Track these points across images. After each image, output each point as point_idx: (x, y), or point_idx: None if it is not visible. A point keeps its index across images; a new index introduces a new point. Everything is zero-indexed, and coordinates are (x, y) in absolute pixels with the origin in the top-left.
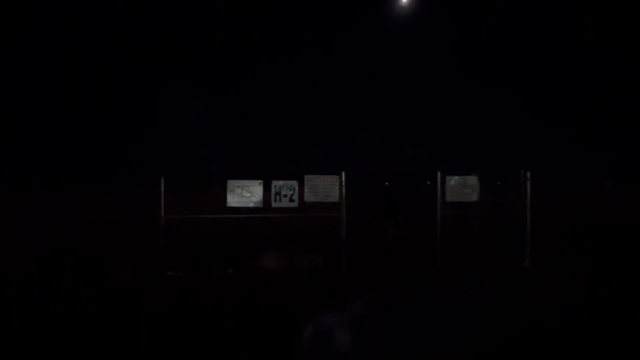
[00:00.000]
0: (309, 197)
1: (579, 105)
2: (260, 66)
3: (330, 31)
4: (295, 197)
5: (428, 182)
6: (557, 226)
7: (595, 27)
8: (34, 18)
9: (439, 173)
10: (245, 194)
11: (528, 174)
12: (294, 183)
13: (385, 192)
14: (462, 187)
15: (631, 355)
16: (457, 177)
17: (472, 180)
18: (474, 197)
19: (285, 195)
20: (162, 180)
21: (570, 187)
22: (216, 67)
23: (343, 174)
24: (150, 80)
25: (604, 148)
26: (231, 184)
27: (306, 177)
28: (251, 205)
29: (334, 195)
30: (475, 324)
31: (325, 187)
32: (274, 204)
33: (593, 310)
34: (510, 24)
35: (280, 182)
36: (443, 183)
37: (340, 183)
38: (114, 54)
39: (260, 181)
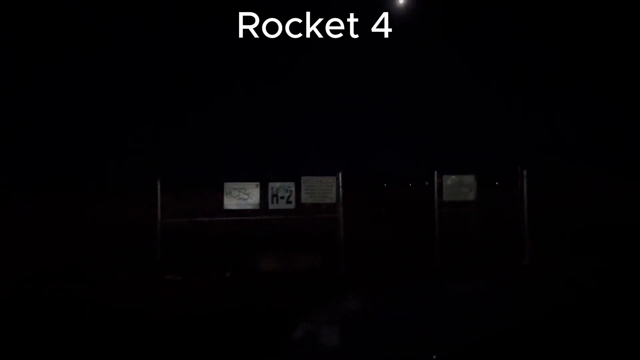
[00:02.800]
0: (306, 198)
1: (576, 103)
2: (258, 71)
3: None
4: (292, 198)
5: (427, 183)
6: (556, 224)
7: (590, 30)
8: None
9: (435, 172)
10: (242, 196)
11: (525, 172)
12: (291, 185)
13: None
14: (459, 186)
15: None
16: (454, 177)
17: (469, 179)
18: (471, 196)
19: (282, 197)
20: (159, 183)
21: (568, 184)
22: (211, 76)
23: (340, 174)
24: (146, 84)
25: (602, 146)
26: (228, 186)
27: (303, 178)
28: (248, 207)
29: (331, 197)
30: (468, 318)
31: (322, 188)
32: (271, 206)
33: (589, 308)
34: (504, 22)
35: (277, 184)
36: (440, 182)
37: (337, 184)
38: (112, 59)
39: (257, 183)
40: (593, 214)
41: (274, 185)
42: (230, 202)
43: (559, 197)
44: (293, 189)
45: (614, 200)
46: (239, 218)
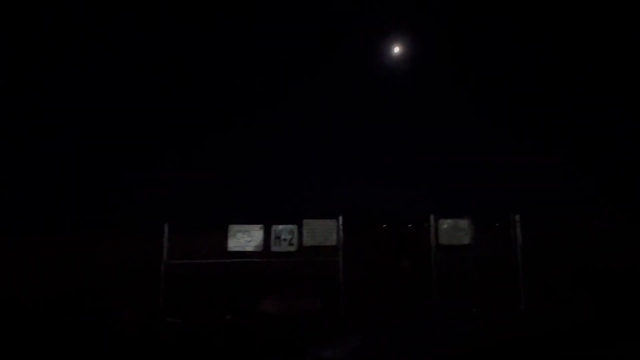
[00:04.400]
0: (307, 241)
1: (569, 148)
2: (261, 116)
3: (332, 79)
4: (295, 240)
5: (425, 224)
6: (551, 268)
7: (586, 77)
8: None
9: (431, 216)
10: (245, 238)
11: (517, 218)
12: (293, 227)
13: (398, 235)
14: (454, 230)
15: None
16: (449, 221)
17: (464, 223)
18: (467, 240)
19: (284, 239)
20: (166, 226)
21: (562, 228)
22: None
23: (340, 218)
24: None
25: (593, 190)
26: (232, 228)
27: (304, 221)
28: (252, 249)
29: (332, 239)
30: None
31: (324, 231)
32: (273, 248)
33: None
34: (502, 72)
35: (280, 226)
36: (436, 226)
37: (338, 227)
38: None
39: (261, 225)
40: (588, 258)
41: (276, 228)
42: (234, 244)
43: (553, 242)
44: (295, 231)
45: (608, 243)
46: (242, 260)
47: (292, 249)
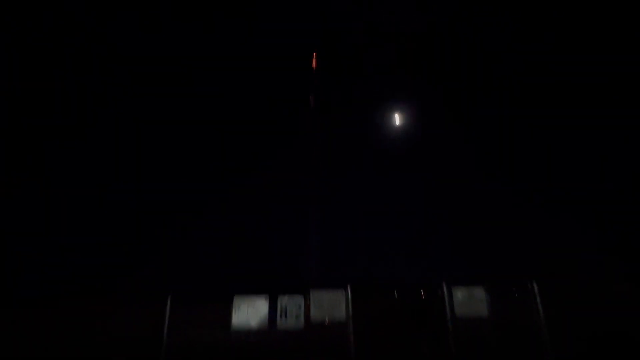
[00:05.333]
0: (315, 314)
1: (588, 206)
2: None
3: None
4: (301, 313)
5: (439, 292)
6: (578, 337)
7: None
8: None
9: (444, 283)
10: (250, 311)
11: (535, 286)
12: (300, 299)
13: (412, 308)
14: (470, 299)
15: None
16: (463, 288)
17: (479, 291)
18: (484, 310)
19: (291, 314)
20: (169, 299)
21: (584, 292)
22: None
23: (349, 287)
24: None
25: (614, 250)
26: (237, 300)
27: (312, 292)
28: (256, 326)
29: (340, 310)
30: None
31: (332, 302)
32: (279, 324)
33: None
34: (513, 133)
35: (286, 298)
36: (450, 294)
37: (347, 298)
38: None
39: (266, 295)
40: (616, 324)
41: (282, 300)
42: (239, 320)
43: (576, 307)
44: (302, 303)
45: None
46: (246, 340)
47: (300, 325)
